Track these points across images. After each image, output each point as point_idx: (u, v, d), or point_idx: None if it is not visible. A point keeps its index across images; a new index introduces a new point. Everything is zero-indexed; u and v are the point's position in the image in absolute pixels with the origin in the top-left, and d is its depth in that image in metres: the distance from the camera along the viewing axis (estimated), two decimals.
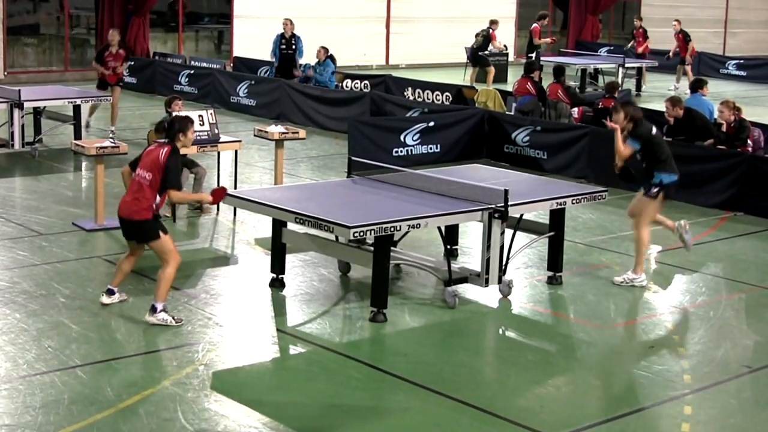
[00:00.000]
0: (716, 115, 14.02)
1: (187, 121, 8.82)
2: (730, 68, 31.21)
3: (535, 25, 25.46)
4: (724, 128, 13.71)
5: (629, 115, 9.97)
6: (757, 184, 13.04)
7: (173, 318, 8.53)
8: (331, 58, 20.72)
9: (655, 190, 10.03)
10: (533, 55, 24.60)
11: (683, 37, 26.61)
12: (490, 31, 25.38)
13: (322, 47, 20.75)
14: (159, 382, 7.37)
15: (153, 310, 8.50)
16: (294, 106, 19.47)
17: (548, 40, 27.31)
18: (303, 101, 19.36)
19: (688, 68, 26.65)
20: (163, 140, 8.81)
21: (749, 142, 13.80)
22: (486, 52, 25.44)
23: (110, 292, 8.90)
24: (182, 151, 8.99)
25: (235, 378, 7.65)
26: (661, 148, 10.06)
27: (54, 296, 9.07)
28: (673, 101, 13.75)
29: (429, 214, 8.80)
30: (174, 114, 9.09)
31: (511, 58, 30.04)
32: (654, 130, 10.13)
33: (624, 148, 9.95)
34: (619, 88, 17.65)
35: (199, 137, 11.35)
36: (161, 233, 8.50)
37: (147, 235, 8.54)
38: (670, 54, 27.28)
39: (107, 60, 17.63)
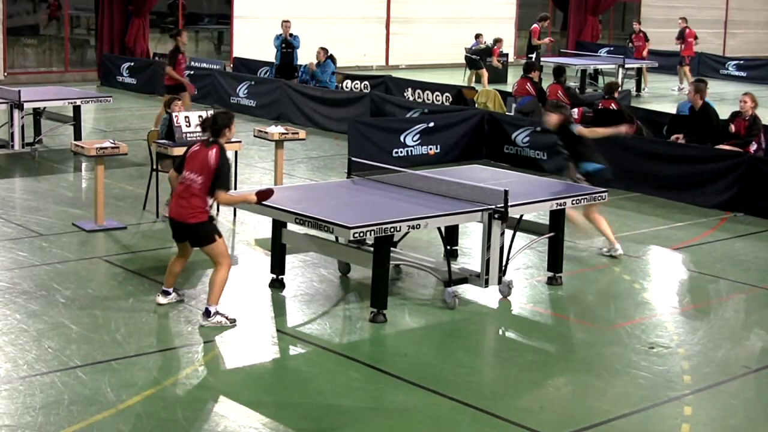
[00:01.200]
0: (738, 106, 14.00)
1: (230, 116, 8.71)
2: (730, 69, 31.23)
3: (535, 25, 25.48)
4: (733, 129, 13.75)
5: (563, 119, 10.99)
6: (757, 184, 13.04)
7: (227, 319, 8.51)
8: (332, 58, 20.71)
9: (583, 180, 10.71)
10: (533, 55, 24.64)
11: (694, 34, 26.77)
12: (494, 47, 25.55)
13: (322, 48, 20.74)
14: (159, 382, 7.36)
15: (207, 313, 8.46)
16: (294, 106, 19.48)
17: (547, 40, 27.33)
18: (303, 102, 19.36)
19: (687, 68, 26.68)
20: (206, 138, 8.62)
21: (753, 142, 13.79)
22: (476, 57, 25.45)
23: (165, 293, 8.89)
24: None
25: (235, 378, 7.64)
26: (576, 140, 10.87)
27: (54, 297, 9.06)
28: (697, 88, 14.05)
29: (429, 215, 8.80)
30: (214, 111, 8.98)
31: (511, 58, 30.07)
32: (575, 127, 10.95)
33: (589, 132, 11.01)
34: (619, 89, 17.65)
35: (198, 138, 11.33)
36: (216, 237, 8.47)
37: (202, 239, 8.47)
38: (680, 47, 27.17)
39: (181, 62, 16.89)
